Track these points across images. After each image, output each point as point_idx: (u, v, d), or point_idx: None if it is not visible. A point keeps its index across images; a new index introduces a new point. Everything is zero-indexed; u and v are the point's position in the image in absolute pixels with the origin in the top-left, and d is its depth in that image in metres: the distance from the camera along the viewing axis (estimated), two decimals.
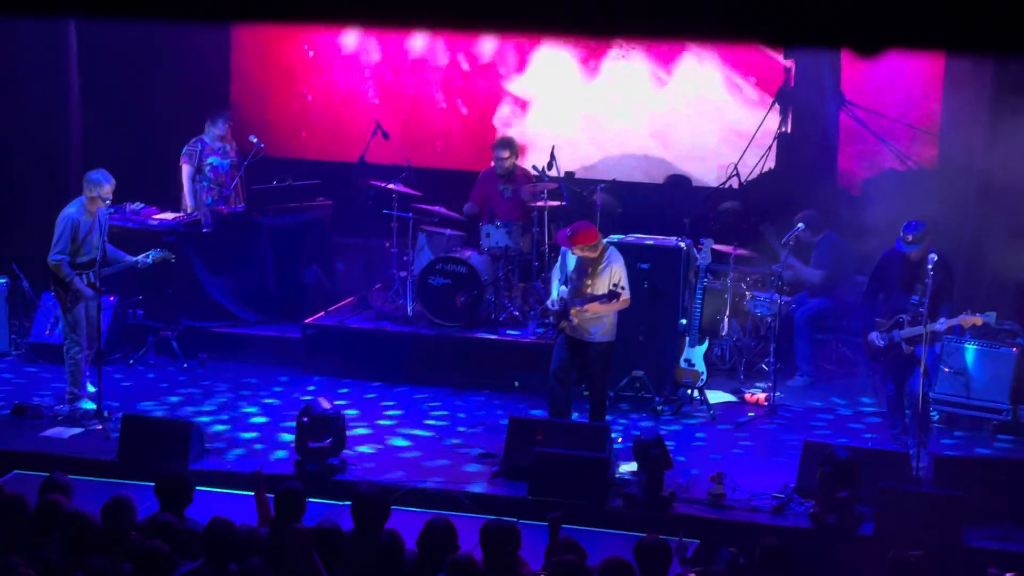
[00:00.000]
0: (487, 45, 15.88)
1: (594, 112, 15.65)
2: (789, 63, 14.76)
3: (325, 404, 10.69)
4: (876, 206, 12.80)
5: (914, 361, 10.85)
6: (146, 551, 7.15)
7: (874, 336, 10.96)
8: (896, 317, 10.87)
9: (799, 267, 13.08)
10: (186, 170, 14.03)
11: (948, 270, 10.88)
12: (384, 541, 7.41)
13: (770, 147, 14.93)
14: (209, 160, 14.01)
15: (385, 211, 13.55)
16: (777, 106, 14.95)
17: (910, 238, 10.73)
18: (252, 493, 8.76)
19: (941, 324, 10.63)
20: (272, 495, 8.27)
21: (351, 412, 11.70)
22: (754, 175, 15.00)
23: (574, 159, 15.38)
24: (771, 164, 14.99)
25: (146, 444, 10.57)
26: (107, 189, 11.57)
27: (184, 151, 14.03)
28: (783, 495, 10.23)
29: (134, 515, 7.92)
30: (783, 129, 14.94)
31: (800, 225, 12.70)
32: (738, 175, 14.94)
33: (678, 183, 15.53)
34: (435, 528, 7.68)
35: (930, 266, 10.56)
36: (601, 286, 10.91)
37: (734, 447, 11.58)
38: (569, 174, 13.73)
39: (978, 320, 10.68)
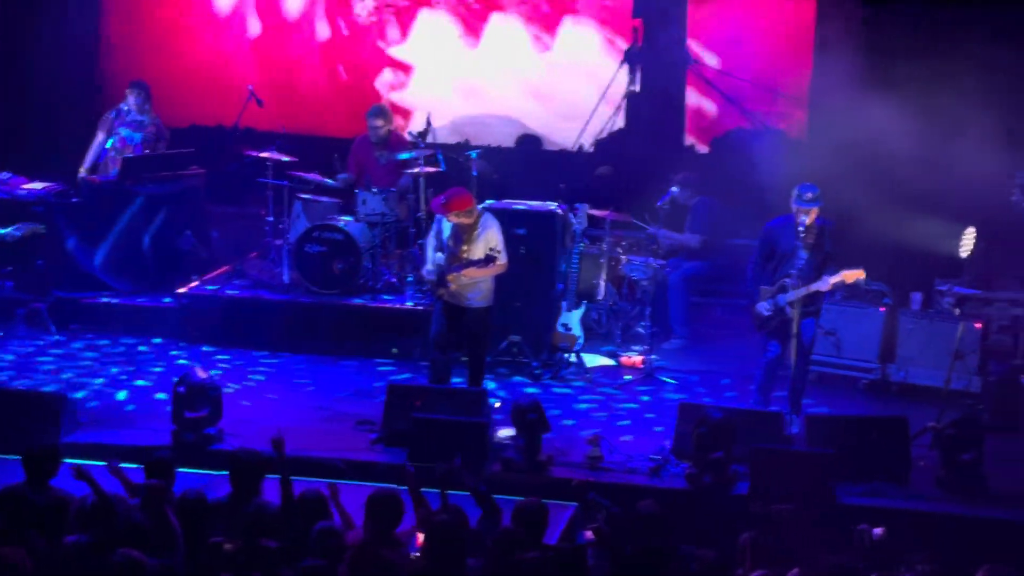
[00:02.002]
0: (366, 9, 15.80)
1: (475, 77, 15.68)
2: (637, 22, 14.95)
3: (201, 373, 10.59)
4: (723, 164, 12.97)
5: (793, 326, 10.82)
6: None
7: (760, 306, 10.88)
8: (780, 282, 10.85)
9: (673, 235, 13.16)
10: (98, 137, 13.99)
11: (832, 235, 10.89)
12: (251, 512, 7.39)
13: (619, 107, 15.13)
14: (120, 130, 13.94)
15: (260, 179, 13.43)
16: (627, 65, 15.12)
17: (809, 196, 10.62)
18: (131, 465, 8.69)
19: (823, 282, 10.62)
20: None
21: (227, 381, 11.59)
22: (604, 135, 15.19)
23: (454, 124, 15.40)
24: (621, 123, 15.19)
25: (14, 418, 10.36)
26: None
27: (101, 118, 14.01)
28: (660, 457, 10.35)
29: None
30: (632, 88, 15.12)
31: (674, 189, 12.81)
32: (609, 137, 15.13)
33: (540, 146, 15.65)
34: (307, 498, 7.77)
35: (801, 228, 10.65)
36: (477, 252, 10.93)
37: (611, 410, 11.68)
38: (422, 133, 13.61)
39: (860, 273, 10.66)
